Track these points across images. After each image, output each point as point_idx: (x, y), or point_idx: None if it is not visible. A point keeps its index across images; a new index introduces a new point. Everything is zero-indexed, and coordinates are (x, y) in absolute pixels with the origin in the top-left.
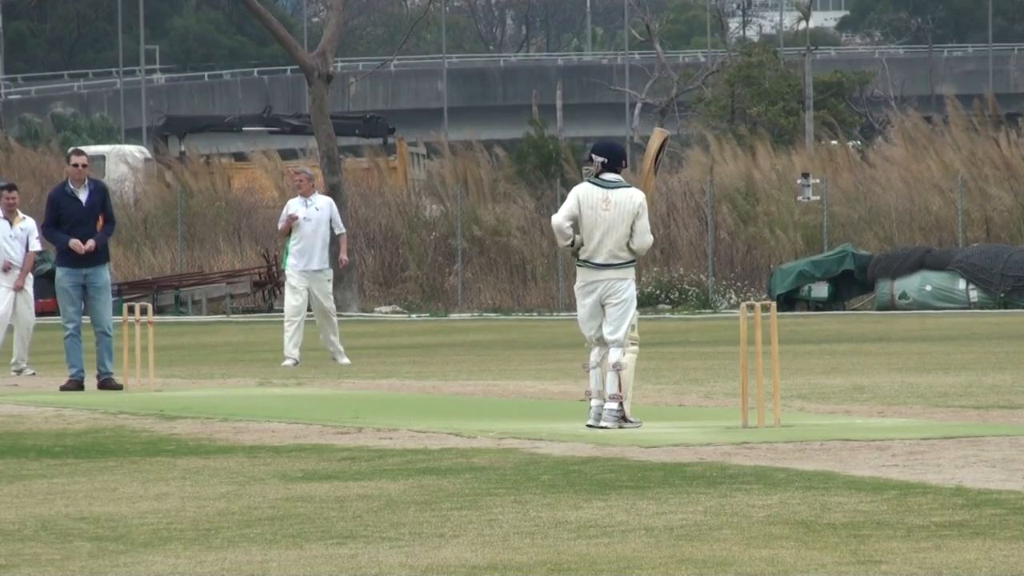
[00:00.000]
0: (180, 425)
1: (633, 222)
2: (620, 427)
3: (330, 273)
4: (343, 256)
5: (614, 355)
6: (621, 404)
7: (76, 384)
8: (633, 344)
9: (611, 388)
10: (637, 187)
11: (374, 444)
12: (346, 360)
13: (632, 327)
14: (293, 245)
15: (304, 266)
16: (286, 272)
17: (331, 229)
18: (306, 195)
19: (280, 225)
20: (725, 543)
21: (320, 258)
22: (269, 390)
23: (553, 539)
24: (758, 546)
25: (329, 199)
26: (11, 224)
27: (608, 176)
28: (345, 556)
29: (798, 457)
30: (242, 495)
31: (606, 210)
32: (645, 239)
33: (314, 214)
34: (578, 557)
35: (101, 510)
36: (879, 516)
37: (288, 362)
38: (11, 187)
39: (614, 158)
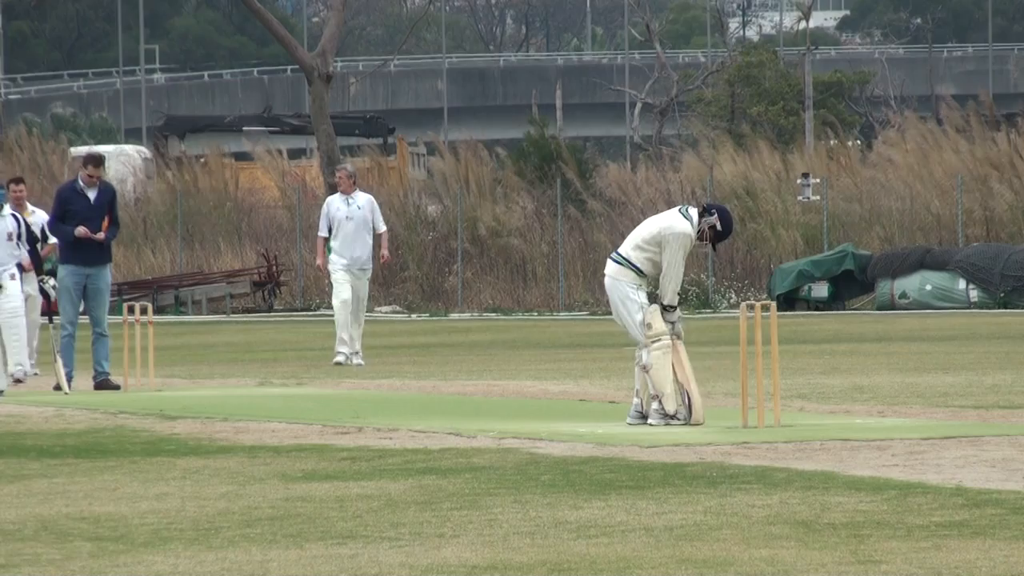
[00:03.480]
0: (180, 425)
1: (659, 244)
2: (667, 424)
3: (370, 272)
4: (384, 252)
5: (642, 357)
6: (660, 403)
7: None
8: (656, 341)
9: (650, 389)
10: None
11: (374, 444)
12: (361, 362)
13: (648, 325)
14: (334, 241)
15: (347, 265)
16: (330, 269)
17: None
18: (347, 193)
19: (320, 239)
20: (725, 543)
21: (363, 257)
22: (269, 390)
23: (553, 539)
24: (758, 546)
25: (370, 197)
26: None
27: (692, 210)
28: (345, 556)
29: (798, 457)
30: (242, 495)
31: (654, 213)
32: (664, 279)
33: (356, 212)
34: (578, 557)
35: (101, 510)
36: (879, 516)
37: (341, 357)
38: (18, 180)
39: (720, 216)
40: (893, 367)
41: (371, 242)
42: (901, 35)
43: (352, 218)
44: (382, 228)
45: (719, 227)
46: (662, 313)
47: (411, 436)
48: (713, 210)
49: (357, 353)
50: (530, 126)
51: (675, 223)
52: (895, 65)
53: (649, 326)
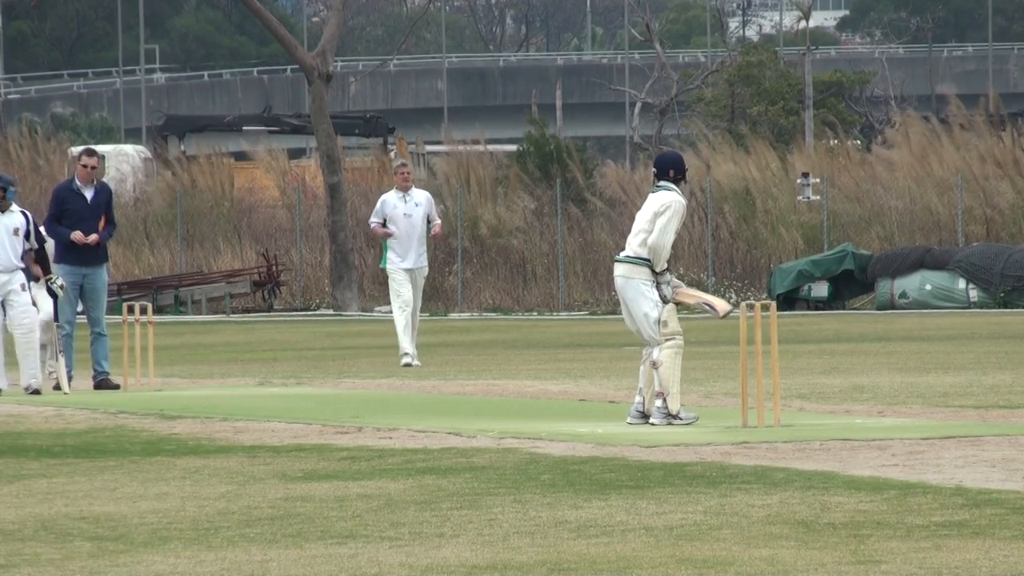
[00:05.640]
0: (180, 425)
1: (655, 219)
2: (669, 424)
3: (426, 271)
4: (437, 225)
5: (653, 354)
6: (664, 401)
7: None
8: (670, 339)
9: (656, 386)
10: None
11: (374, 444)
12: (416, 363)
13: (664, 323)
14: (391, 241)
15: (405, 264)
16: (388, 270)
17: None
18: (405, 190)
19: (373, 225)
20: (725, 543)
21: (419, 256)
22: (269, 390)
23: (553, 539)
24: (758, 546)
25: (427, 193)
26: None
27: (661, 183)
28: (345, 556)
29: (798, 457)
30: (242, 495)
31: (640, 208)
32: (654, 238)
33: (413, 210)
34: (578, 557)
35: (101, 510)
36: (879, 516)
37: (407, 359)
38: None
39: (659, 169)
40: (893, 367)
41: (426, 241)
42: (901, 35)
43: (411, 215)
44: (437, 222)
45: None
46: (658, 287)
47: (411, 436)
48: (680, 174)
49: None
50: (530, 126)
51: (668, 199)
52: (895, 65)
53: (665, 323)
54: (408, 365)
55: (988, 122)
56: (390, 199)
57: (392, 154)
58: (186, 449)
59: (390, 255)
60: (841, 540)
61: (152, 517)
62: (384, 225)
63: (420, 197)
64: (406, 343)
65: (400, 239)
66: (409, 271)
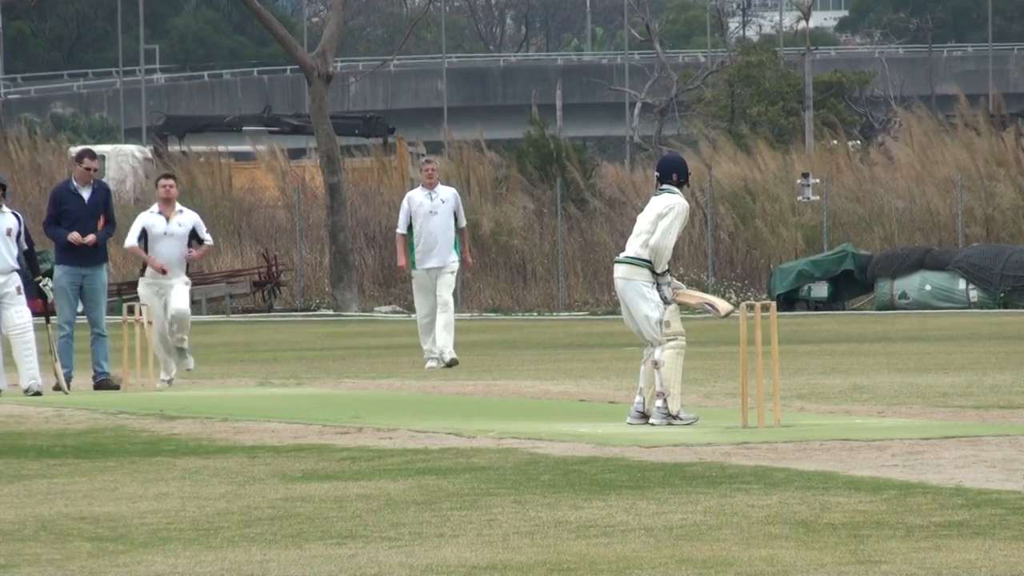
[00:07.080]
0: (180, 425)
1: (657, 220)
2: (669, 424)
3: (455, 266)
4: (467, 257)
5: (656, 354)
6: (665, 401)
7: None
8: (672, 340)
9: (656, 386)
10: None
11: (374, 444)
12: (455, 357)
13: (667, 323)
14: (416, 239)
15: (430, 264)
16: (413, 273)
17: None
18: (431, 187)
19: (400, 233)
20: (725, 543)
21: (446, 255)
22: (269, 390)
23: (553, 539)
24: (758, 546)
25: (454, 190)
26: (167, 219)
27: (664, 186)
28: (345, 556)
29: (798, 457)
30: (242, 495)
31: (642, 211)
32: (657, 238)
33: (440, 207)
34: (578, 557)
35: (101, 510)
36: (879, 516)
37: (432, 363)
38: (167, 175)
39: (661, 172)
40: (893, 367)
41: (453, 237)
42: (901, 35)
43: (437, 213)
44: (463, 223)
45: (687, 181)
46: (659, 288)
47: (411, 436)
48: (682, 178)
49: (450, 351)
50: (530, 126)
51: (672, 201)
52: (895, 65)
53: (668, 324)
54: (432, 368)
55: (990, 122)
56: (416, 196)
57: (411, 151)
58: (186, 449)
59: (415, 255)
60: (841, 540)
61: (152, 517)
62: (410, 225)
63: (446, 194)
64: (428, 344)
65: (427, 239)
66: (429, 270)
